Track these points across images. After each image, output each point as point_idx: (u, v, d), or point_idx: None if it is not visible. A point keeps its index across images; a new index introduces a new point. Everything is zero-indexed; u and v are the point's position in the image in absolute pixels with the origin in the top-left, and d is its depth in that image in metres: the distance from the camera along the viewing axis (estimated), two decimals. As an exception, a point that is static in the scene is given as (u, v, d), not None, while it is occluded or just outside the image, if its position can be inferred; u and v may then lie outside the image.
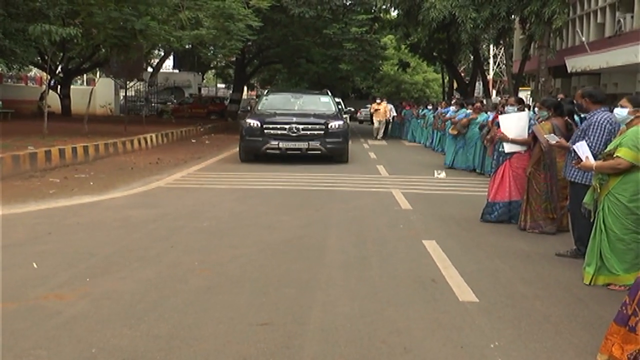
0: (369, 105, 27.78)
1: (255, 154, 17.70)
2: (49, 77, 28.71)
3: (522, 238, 8.60)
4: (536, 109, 11.81)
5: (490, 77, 55.19)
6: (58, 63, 32.57)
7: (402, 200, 11.50)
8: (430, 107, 27.80)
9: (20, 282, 5.86)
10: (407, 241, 8.21)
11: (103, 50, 25.36)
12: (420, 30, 30.85)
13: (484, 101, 24.54)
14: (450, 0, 25.99)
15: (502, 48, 38.11)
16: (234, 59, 38.74)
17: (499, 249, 7.96)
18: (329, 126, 17.72)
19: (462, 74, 46.25)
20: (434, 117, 24.79)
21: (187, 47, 30.66)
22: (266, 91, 22.63)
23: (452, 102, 23.25)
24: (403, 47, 43.79)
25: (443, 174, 15.58)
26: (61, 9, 21.50)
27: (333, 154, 17.94)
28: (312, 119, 17.96)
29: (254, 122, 17.62)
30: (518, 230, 8.98)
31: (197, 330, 4.80)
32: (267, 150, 17.33)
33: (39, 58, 32.30)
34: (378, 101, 32.85)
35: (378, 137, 31.13)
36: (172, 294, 5.64)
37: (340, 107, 23.24)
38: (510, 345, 4.73)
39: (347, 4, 36.83)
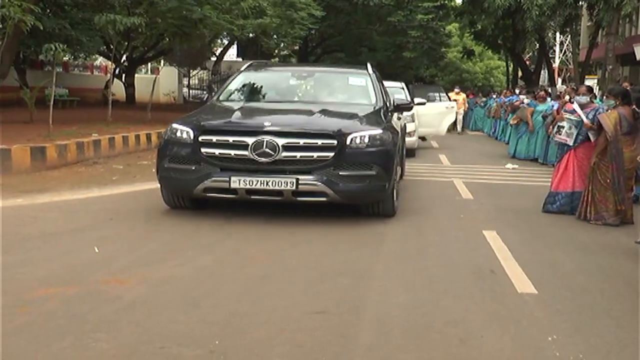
0: (436, 94, 21.54)
1: (189, 197, 8.36)
2: (114, 66, 29.13)
3: (583, 229, 8.43)
4: (604, 97, 11.55)
5: (556, 65, 54.17)
6: (123, 52, 33.00)
7: (463, 190, 11.39)
8: (494, 95, 27.42)
9: (81, 267, 5.97)
10: (466, 231, 8.12)
11: (166, 39, 25.61)
12: (485, 17, 30.49)
13: (549, 90, 24.08)
14: (516, -13, 25.56)
15: (569, 35, 37.39)
16: (296, 47, 38.78)
17: (559, 240, 7.82)
18: (349, 140, 7.89)
19: (527, 62, 45.49)
20: (495, 105, 24.46)
21: (250, 35, 30.75)
22: (246, 65, 11.09)
23: (518, 91, 22.92)
24: (467, 34, 43.32)
25: (511, 165, 15.25)
26: (126, -1, 21.80)
27: (354, 201, 8.26)
28: (308, 125, 8.17)
29: (181, 130, 8.12)
30: (579, 222, 8.82)
31: (252, 317, 4.81)
32: (208, 194, 8.01)
33: (104, 47, 32.80)
34: (457, 90, 29.44)
35: (459, 131, 27.26)
36: (228, 281, 5.67)
37: (401, 96, 15.13)
38: (569, 339, 4.63)
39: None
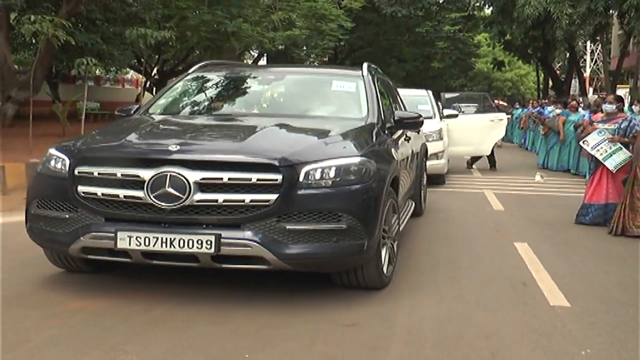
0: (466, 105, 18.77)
1: (64, 255, 5.85)
2: (144, 79, 29.39)
3: (618, 241, 8.33)
4: (634, 107, 11.46)
5: (587, 74, 53.78)
6: (153, 65, 33.36)
7: (494, 201, 11.34)
8: (517, 105, 27.23)
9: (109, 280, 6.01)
10: (498, 243, 8.07)
11: (197, 52, 25.84)
12: (515, 27, 30.36)
13: (581, 99, 23.89)
14: (545, -4, 25.44)
15: (600, 44, 37.12)
16: (326, 59, 38.89)
17: (593, 252, 7.74)
18: (303, 174, 5.17)
19: (558, 72, 45.22)
20: (524, 116, 24.30)
21: (280, 47, 30.94)
22: (198, 65, 8.00)
23: (547, 101, 22.75)
24: (497, 44, 43.20)
25: (539, 177, 15.01)
26: (157, 13, 22.04)
27: (313, 269, 5.55)
28: (240, 150, 5.37)
29: (57, 159, 5.61)
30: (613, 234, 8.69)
31: (284, 329, 4.82)
32: (88, 256, 5.44)
33: (135, 61, 33.17)
34: (496, 102, 27.57)
35: (498, 144, 23.31)
36: (259, 293, 5.68)
37: (425, 107, 13.36)
38: (602, 353, 4.58)
39: (441, 1, 36.58)
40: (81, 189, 5.29)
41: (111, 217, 5.22)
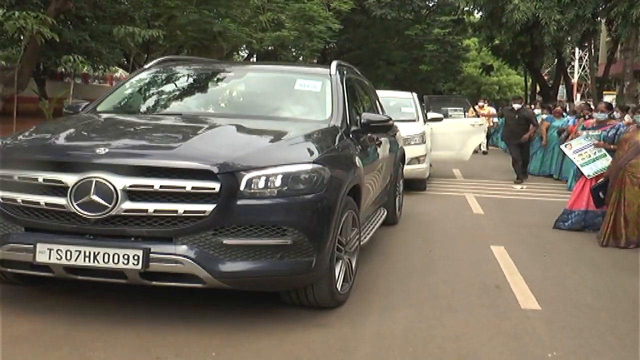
0: (454, 109, 17.73)
1: None
2: (133, 78, 29.29)
3: (594, 247, 8.40)
4: (615, 113, 11.53)
5: (575, 80, 53.99)
6: (142, 64, 33.25)
7: (475, 205, 11.39)
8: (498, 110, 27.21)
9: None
10: (475, 246, 8.11)
11: (185, 51, 25.86)
12: (504, 32, 30.44)
13: (567, 105, 23.98)
14: (534, 2, 25.46)
15: (588, 51, 37.31)
16: (315, 60, 38.96)
17: (569, 257, 7.80)
18: (244, 183, 4.62)
19: (546, 77, 45.41)
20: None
21: (269, 48, 30.94)
22: (155, 61, 7.41)
23: (533, 106, 22.80)
24: (485, 49, 43.29)
25: (519, 187, 14.77)
26: (146, 12, 22.02)
27: (253, 287, 4.95)
28: (176, 154, 4.75)
29: None
30: (591, 239, 8.72)
31: (253, 328, 4.84)
32: (8, 269, 4.84)
33: (124, 59, 33.10)
34: (481, 104, 26.26)
35: (484, 151, 23.69)
36: (231, 292, 5.68)
37: (409, 109, 13.29)
38: (570, 356, 4.62)
39: (430, 5, 36.68)
40: (0, 194, 4.71)
41: (31, 227, 4.66)
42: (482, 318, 5.37)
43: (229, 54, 31.99)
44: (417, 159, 12.17)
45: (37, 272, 4.72)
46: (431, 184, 13.91)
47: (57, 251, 4.47)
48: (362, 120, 6.51)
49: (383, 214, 8.14)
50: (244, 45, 31.14)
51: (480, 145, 21.54)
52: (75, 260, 4.46)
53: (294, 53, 33.49)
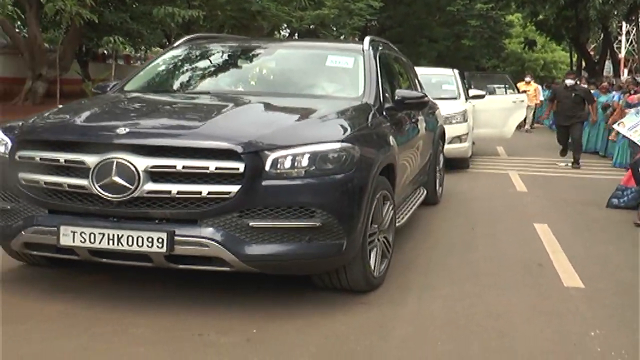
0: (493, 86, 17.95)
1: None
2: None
3: (639, 225, 8.25)
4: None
5: (621, 55, 52.94)
6: (183, 44, 33.38)
7: (518, 182, 11.28)
8: (545, 87, 26.78)
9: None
10: (517, 224, 8.04)
11: (226, 31, 25.95)
12: (548, 7, 29.94)
13: (614, 81, 23.54)
14: (579, -26, 25.02)
15: (635, 25, 36.55)
16: (356, 39, 38.80)
17: (612, 235, 7.69)
18: (269, 163, 4.43)
19: (592, 53, 44.59)
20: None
21: (310, 27, 30.86)
22: (183, 39, 7.25)
23: (579, 82, 22.40)
24: (529, 25, 42.63)
25: (564, 164, 14.59)
26: (186, -8, 22.09)
27: (281, 271, 4.80)
28: (198, 134, 4.58)
29: (1, 141, 4.85)
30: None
31: (295, 307, 4.85)
32: (32, 252, 4.85)
33: (165, 40, 33.26)
34: (527, 80, 24.39)
35: (527, 129, 22.81)
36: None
37: (450, 87, 13.09)
38: (612, 334, 4.55)
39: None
40: (22, 176, 4.61)
41: (55, 209, 4.57)
42: (524, 296, 5.31)
43: (269, 33, 32.05)
44: (459, 138, 11.99)
45: (63, 255, 4.67)
46: (474, 162, 13.77)
47: (80, 234, 4.39)
48: (396, 97, 6.27)
49: (422, 193, 7.98)
50: (285, 25, 31.14)
51: (525, 121, 21.13)
52: (100, 243, 4.37)
53: (334, 32, 33.38)
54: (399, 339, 4.35)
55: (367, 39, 6.74)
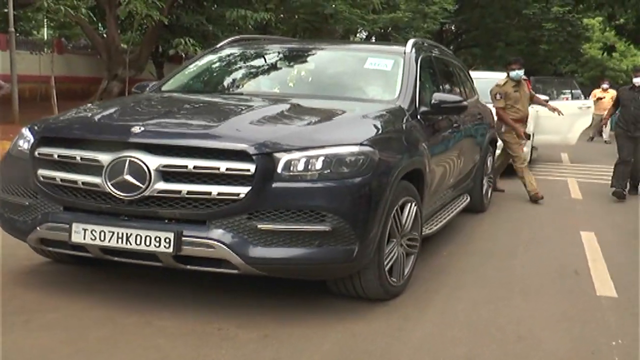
0: (567, 91, 17.18)
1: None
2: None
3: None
4: None
5: None
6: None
7: (575, 190, 11.20)
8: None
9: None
10: (563, 231, 8.01)
11: (299, 34, 26.28)
12: (629, 10, 29.27)
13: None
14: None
15: None
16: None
17: (660, 244, 7.58)
18: (281, 165, 4.38)
19: (675, 58, 43.30)
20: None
21: (382, 30, 30.92)
22: (225, 41, 7.34)
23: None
24: (609, 30, 41.65)
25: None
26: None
27: (289, 275, 4.76)
28: (210, 134, 4.58)
29: (24, 138, 5.01)
30: None
31: (316, 304, 4.96)
32: (49, 248, 4.92)
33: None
34: (605, 86, 22.41)
35: (606, 140, 21.29)
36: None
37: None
38: (633, 345, 4.53)
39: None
40: (40, 172, 4.69)
41: (70, 207, 4.62)
42: (551, 303, 5.33)
43: (343, 36, 32.26)
44: None
45: (76, 252, 4.74)
46: (535, 168, 13.64)
47: (91, 231, 4.44)
48: (433, 101, 6.10)
49: (464, 200, 7.92)
50: (360, 28, 31.25)
51: (601, 132, 20.54)
52: (109, 241, 4.41)
53: (411, 35, 33.35)
54: (416, 340, 4.43)
55: (410, 41, 6.70)
